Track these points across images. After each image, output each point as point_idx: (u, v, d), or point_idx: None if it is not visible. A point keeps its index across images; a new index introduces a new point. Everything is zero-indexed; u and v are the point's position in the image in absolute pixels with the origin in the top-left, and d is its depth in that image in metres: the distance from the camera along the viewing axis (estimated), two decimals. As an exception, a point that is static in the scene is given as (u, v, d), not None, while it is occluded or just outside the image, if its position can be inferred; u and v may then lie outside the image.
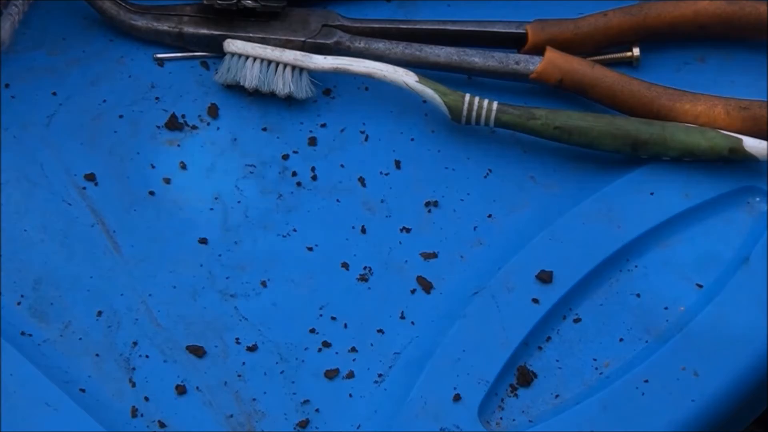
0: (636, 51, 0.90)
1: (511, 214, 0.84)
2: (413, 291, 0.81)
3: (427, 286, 0.81)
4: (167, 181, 0.84)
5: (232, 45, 0.87)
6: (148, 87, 0.88)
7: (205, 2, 0.89)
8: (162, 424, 0.75)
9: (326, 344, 0.78)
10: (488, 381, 0.76)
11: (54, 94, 0.87)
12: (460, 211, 0.84)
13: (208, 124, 0.87)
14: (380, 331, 0.79)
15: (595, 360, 0.79)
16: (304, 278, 0.81)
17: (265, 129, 0.87)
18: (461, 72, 0.88)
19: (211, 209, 0.83)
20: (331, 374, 0.77)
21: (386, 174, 0.85)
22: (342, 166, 0.85)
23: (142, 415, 0.75)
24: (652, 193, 0.84)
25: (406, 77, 0.85)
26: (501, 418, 0.77)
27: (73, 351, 0.77)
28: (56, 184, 0.84)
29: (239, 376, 0.77)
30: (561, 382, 0.78)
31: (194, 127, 0.87)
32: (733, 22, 0.89)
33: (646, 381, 0.77)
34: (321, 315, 0.79)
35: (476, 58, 0.87)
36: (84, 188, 0.83)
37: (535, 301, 0.79)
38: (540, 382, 0.78)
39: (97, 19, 0.90)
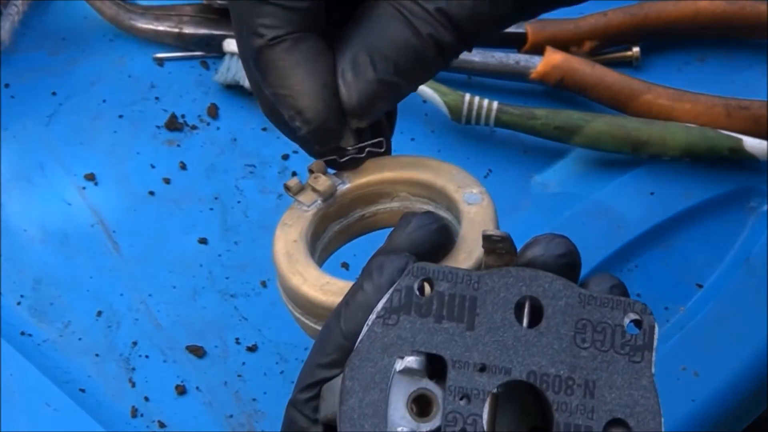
0: (636, 51, 0.90)
1: (511, 214, 0.84)
2: (413, 291, 0.81)
3: (427, 286, 0.81)
4: (167, 181, 0.84)
5: (232, 45, 0.87)
6: (148, 87, 0.88)
7: (205, 2, 0.89)
8: (162, 424, 0.75)
9: (326, 344, 0.78)
10: (488, 381, 0.76)
11: (54, 94, 0.87)
12: (460, 211, 0.84)
13: (208, 124, 0.87)
14: (380, 331, 0.79)
15: (595, 360, 0.79)
16: (304, 278, 0.81)
17: (265, 129, 0.87)
18: (461, 72, 0.88)
19: (211, 209, 0.83)
20: (331, 374, 0.77)
21: (386, 174, 0.85)
22: (342, 166, 0.85)
23: (142, 415, 0.75)
24: (652, 193, 0.84)
25: (406, 77, 0.85)
26: (501, 418, 0.77)
27: (73, 351, 0.77)
28: (56, 184, 0.84)
29: (239, 376, 0.77)
30: (561, 382, 0.78)
31: (194, 127, 0.87)
32: (733, 22, 0.89)
33: (646, 381, 0.77)
34: (321, 315, 0.79)
35: (476, 58, 0.87)
36: (84, 188, 0.83)
37: (535, 301, 0.79)
38: (540, 382, 0.78)
39: (97, 19, 0.90)
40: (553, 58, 0.86)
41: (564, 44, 0.87)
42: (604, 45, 0.89)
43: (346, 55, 0.61)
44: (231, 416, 0.76)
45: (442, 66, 0.62)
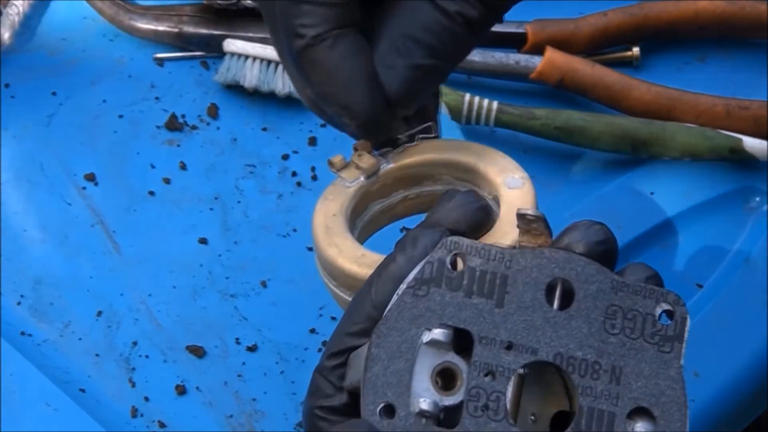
0: (636, 51, 0.90)
1: (511, 214, 0.84)
2: (413, 291, 0.81)
3: (427, 286, 0.81)
4: (167, 181, 0.84)
5: (232, 45, 0.87)
6: (148, 87, 0.88)
7: (205, 2, 0.89)
8: (162, 424, 0.75)
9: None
10: (488, 381, 0.76)
11: (54, 94, 0.87)
12: (460, 211, 0.84)
13: (208, 124, 0.87)
14: (380, 331, 0.79)
15: (595, 360, 0.79)
16: (304, 278, 0.81)
17: (265, 129, 0.87)
18: (461, 72, 0.88)
19: (211, 209, 0.83)
20: (331, 374, 0.77)
21: (386, 174, 0.85)
22: (342, 166, 0.85)
23: (142, 415, 0.75)
24: (652, 193, 0.84)
25: (406, 77, 0.85)
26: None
27: (73, 351, 0.77)
28: (56, 184, 0.84)
29: (239, 376, 0.77)
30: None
31: (194, 127, 0.87)
32: (733, 22, 0.89)
33: (646, 381, 0.77)
34: (321, 315, 0.79)
35: (476, 58, 0.87)
36: (84, 188, 0.83)
37: (535, 301, 0.79)
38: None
39: (97, 19, 0.90)
40: (553, 58, 0.86)
41: (564, 44, 0.87)
42: (604, 45, 0.89)
43: (380, 46, 0.61)
44: (231, 416, 0.76)
45: (475, 41, 0.62)
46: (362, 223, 0.66)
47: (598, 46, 0.89)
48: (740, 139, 0.84)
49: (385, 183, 0.66)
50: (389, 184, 0.66)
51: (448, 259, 0.53)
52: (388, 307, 0.53)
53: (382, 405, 0.51)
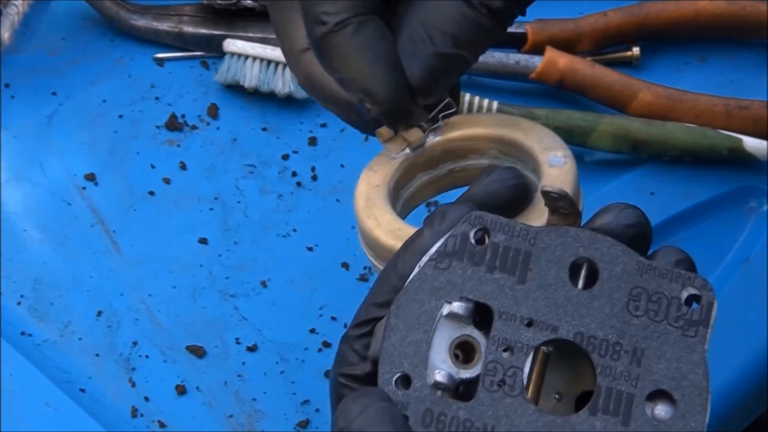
0: (636, 51, 0.90)
1: (511, 214, 0.84)
2: (413, 291, 0.81)
3: (427, 286, 0.81)
4: (167, 181, 0.84)
5: (232, 45, 0.87)
6: (148, 87, 0.88)
7: (205, 2, 0.89)
8: (162, 424, 0.75)
9: (326, 344, 0.78)
10: (488, 381, 0.76)
11: (54, 94, 0.87)
12: (460, 211, 0.84)
13: (208, 124, 0.87)
14: (380, 331, 0.79)
15: (595, 360, 0.79)
16: (304, 278, 0.81)
17: (265, 129, 0.87)
18: (461, 72, 0.88)
19: (211, 209, 0.83)
20: (331, 374, 0.77)
21: (386, 174, 0.85)
22: (342, 166, 0.85)
23: (142, 415, 0.75)
24: (652, 193, 0.84)
25: (407, 77, 0.85)
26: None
27: (73, 351, 0.77)
28: (56, 184, 0.84)
29: (239, 376, 0.77)
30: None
31: (194, 127, 0.87)
32: (733, 22, 0.89)
33: (646, 381, 0.77)
34: (321, 315, 0.79)
35: (476, 58, 0.87)
36: (84, 188, 0.84)
37: (535, 301, 0.79)
38: (540, 382, 0.78)
39: (97, 19, 0.90)
40: (553, 58, 0.86)
41: (564, 44, 0.88)
42: (604, 45, 0.89)
43: (403, 33, 0.61)
44: (231, 416, 0.76)
45: (500, 31, 0.62)
46: (407, 194, 0.66)
47: (598, 46, 0.89)
48: (740, 139, 0.84)
49: (431, 155, 0.66)
50: (435, 156, 0.66)
51: (471, 234, 0.53)
52: (409, 278, 0.53)
53: (398, 375, 0.51)
